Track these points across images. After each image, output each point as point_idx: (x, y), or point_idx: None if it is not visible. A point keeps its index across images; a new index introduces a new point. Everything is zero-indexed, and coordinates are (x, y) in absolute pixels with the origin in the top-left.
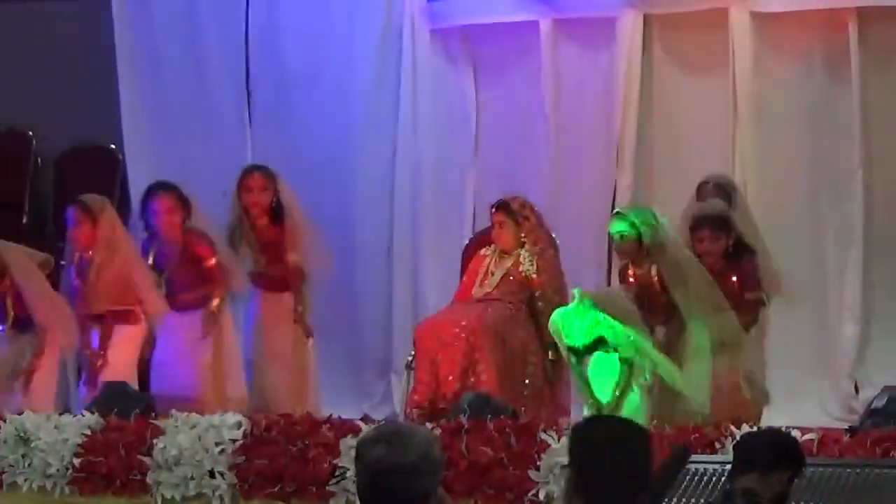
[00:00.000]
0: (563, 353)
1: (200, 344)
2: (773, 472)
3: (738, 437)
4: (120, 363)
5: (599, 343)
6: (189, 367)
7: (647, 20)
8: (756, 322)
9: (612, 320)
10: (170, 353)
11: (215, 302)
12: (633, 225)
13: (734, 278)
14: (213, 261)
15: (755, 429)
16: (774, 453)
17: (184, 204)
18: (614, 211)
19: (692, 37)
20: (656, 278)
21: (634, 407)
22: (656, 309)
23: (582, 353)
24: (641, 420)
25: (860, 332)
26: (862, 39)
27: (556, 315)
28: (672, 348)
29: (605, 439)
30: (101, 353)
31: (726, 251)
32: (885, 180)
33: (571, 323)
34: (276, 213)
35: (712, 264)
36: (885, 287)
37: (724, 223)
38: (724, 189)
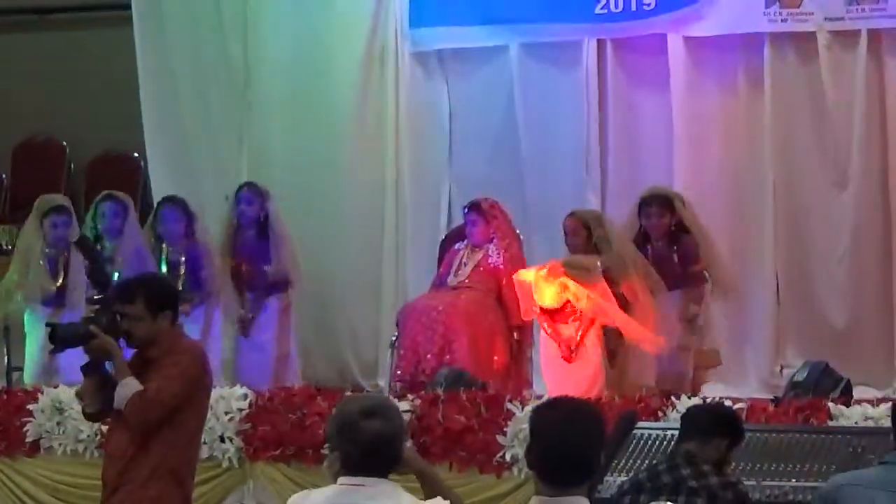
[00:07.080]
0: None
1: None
2: (712, 439)
3: (679, 407)
4: None
5: (567, 305)
6: None
7: (602, 43)
8: (701, 298)
9: (575, 281)
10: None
11: None
12: (583, 222)
13: (675, 258)
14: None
15: (700, 400)
16: (713, 422)
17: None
18: (570, 212)
19: (639, 57)
20: (601, 270)
21: None
22: None
23: (552, 314)
24: None
25: (778, 313)
26: (774, 60)
27: (528, 275)
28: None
29: (562, 419)
30: None
31: (669, 228)
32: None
33: (542, 288)
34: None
35: (657, 238)
36: (795, 276)
37: (670, 203)
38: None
